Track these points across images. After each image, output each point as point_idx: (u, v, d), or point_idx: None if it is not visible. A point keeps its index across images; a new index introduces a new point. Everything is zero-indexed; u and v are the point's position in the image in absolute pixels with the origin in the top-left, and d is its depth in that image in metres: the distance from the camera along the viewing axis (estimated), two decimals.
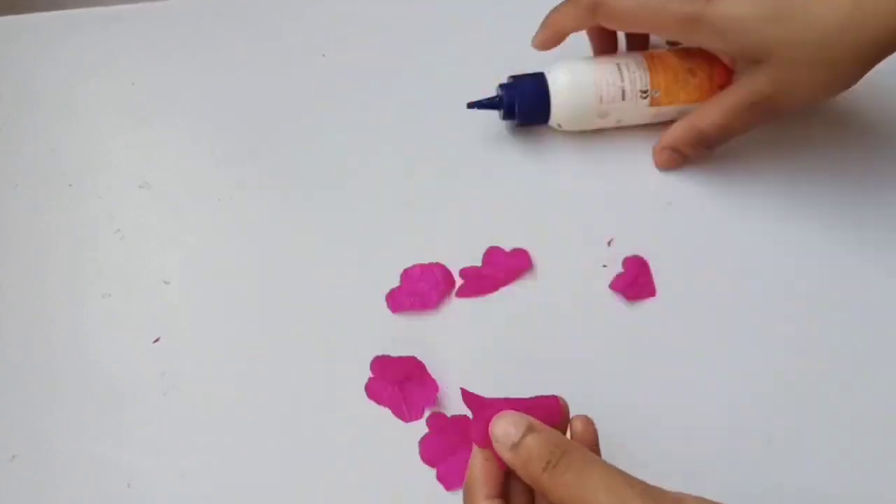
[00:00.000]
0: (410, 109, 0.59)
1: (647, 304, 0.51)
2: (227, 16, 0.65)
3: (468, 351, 0.49)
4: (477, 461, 0.38)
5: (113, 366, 0.50)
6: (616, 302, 0.51)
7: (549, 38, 0.53)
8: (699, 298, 0.51)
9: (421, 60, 0.61)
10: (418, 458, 0.47)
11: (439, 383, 0.48)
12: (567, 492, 0.35)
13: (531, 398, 0.39)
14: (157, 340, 0.50)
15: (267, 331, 0.51)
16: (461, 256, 0.52)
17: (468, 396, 0.38)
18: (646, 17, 0.50)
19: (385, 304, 0.51)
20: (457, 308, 0.51)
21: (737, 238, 0.53)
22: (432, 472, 0.46)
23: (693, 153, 0.54)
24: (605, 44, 0.57)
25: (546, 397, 0.39)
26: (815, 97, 0.50)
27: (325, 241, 0.54)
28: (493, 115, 0.56)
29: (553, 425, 0.37)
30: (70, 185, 0.56)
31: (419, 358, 0.48)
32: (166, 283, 0.52)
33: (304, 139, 0.58)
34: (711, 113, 0.52)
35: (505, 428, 0.37)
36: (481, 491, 0.37)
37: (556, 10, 0.53)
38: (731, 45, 0.49)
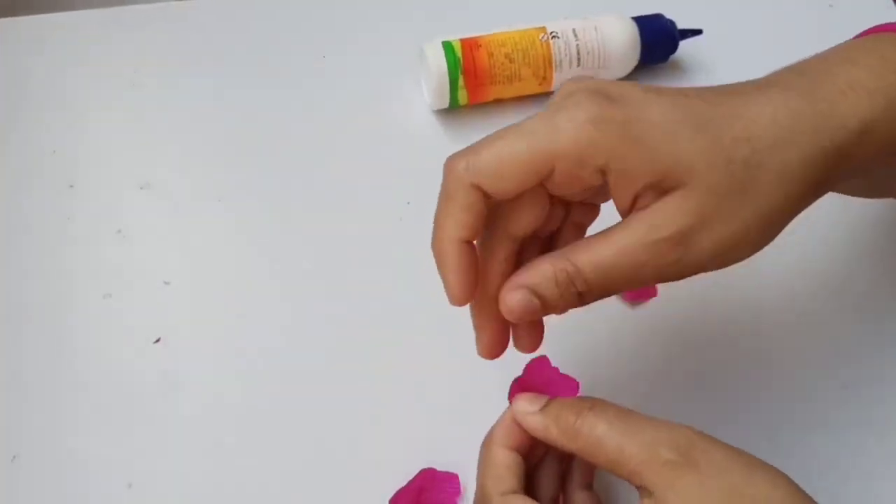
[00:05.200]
0: (412, 109, 0.59)
1: (648, 305, 0.51)
2: (226, 16, 0.65)
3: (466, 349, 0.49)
4: (504, 417, 0.39)
5: (113, 366, 0.49)
6: (616, 302, 0.51)
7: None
8: (700, 298, 0.51)
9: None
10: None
11: None
12: (606, 431, 0.36)
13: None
14: (157, 340, 0.50)
15: (267, 331, 0.51)
16: None
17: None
18: None
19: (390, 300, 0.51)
20: (459, 310, 0.51)
21: None
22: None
23: (559, 303, 0.37)
24: None
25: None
26: (738, 243, 0.37)
27: (325, 241, 0.54)
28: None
29: None
30: (70, 186, 0.56)
31: None
32: (166, 283, 0.52)
33: (304, 139, 0.58)
34: (598, 250, 0.36)
35: (527, 399, 0.38)
36: (500, 440, 0.38)
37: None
38: (641, 160, 0.35)
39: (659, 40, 0.60)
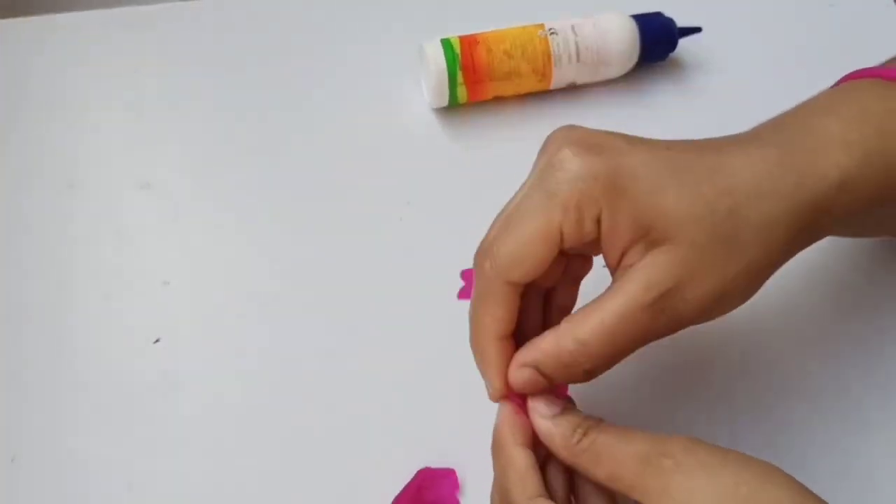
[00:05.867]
0: (411, 109, 0.59)
1: None
2: (226, 17, 0.65)
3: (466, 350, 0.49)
4: (505, 412, 0.38)
5: (113, 366, 0.49)
6: None
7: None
8: None
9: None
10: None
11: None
12: (607, 450, 0.35)
13: None
14: (157, 341, 0.50)
15: (268, 331, 0.51)
16: (464, 257, 0.52)
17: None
18: None
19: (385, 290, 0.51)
20: (459, 310, 0.51)
21: None
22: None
23: (565, 379, 0.38)
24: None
25: None
26: (724, 296, 0.38)
27: (325, 241, 0.54)
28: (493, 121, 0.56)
29: None
30: (70, 186, 0.56)
31: None
32: (166, 283, 0.52)
33: (304, 139, 0.58)
34: (593, 321, 0.36)
35: (545, 401, 0.38)
36: (511, 439, 0.38)
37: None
38: (628, 212, 0.36)
39: (658, 38, 0.60)
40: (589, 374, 0.37)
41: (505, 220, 0.38)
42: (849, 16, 0.63)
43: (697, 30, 0.61)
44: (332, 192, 0.56)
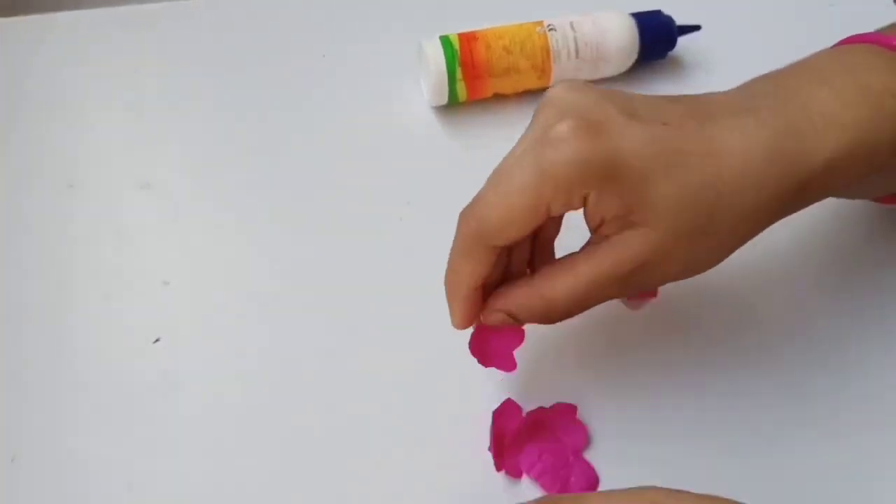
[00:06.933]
0: (411, 108, 0.59)
1: (648, 305, 0.51)
2: (226, 16, 0.65)
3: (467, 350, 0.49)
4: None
5: (113, 366, 0.49)
6: (615, 303, 0.51)
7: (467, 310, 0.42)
8: (699, 300, 0.51)
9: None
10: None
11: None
12: None
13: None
14: (157, 341, 0.50)
15: (268, 331, 0.51)
16: None
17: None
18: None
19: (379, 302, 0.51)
20: None
21: None
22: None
23: (531, 322, 0.42)
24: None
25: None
26: (687, 271, 0.41)
27: (325, 241, 0.54)
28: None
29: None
30: (70, 186, 0.56)
31: None
32: (166, 283, 0.52)
33: (304, 139, 0.58)
34: (565, 282, 0.40)
35: None
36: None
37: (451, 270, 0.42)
38: (616, 195, 0.37)
39: (657, 36, 0.60)
40: (551, 320, 0.42)
41: (496, 185, 0.39)
42: (849, 16, 0.63)
43: (697, 28, 0.61)
44: (332, 192, 0.56)
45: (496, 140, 0.55)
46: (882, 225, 0.54)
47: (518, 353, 0.45)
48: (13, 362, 0.50)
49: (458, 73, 0.57)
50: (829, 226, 0.53)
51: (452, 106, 0.59)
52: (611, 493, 0.37)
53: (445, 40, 0.57)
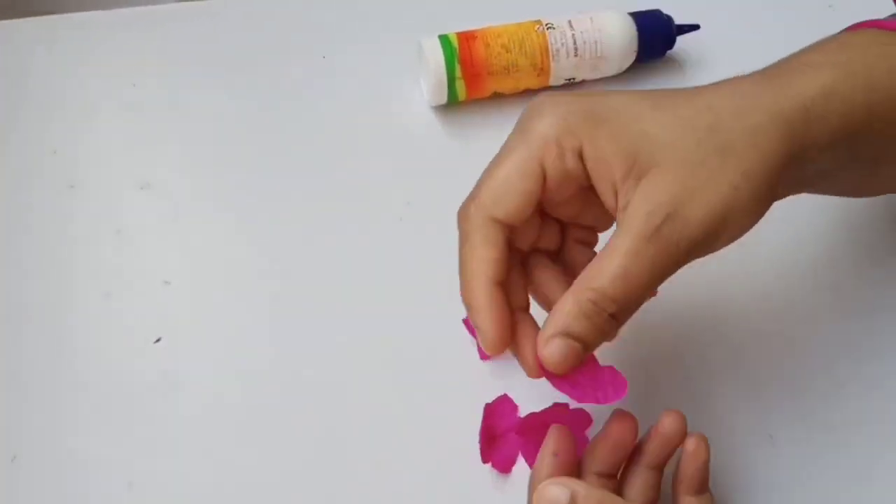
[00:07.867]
0: (411, 108, 0.59)
1: (647, 305, 0.51)
2: (226, 17, 0.65)
3: (467, 350, 0.49)
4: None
5: (113, 366, 0.50)
6: None
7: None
8: (699, 299, 0.51)
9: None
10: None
11: None
12: None
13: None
14: (157, 340, 0.50)
15: (268, 330, 0.51)
16: None
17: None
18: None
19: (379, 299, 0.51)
20: (459, 310, 0.51)
21: None
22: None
23: (596, 335, 0.37)
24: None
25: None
26: (726, 206, 0.36)
27: (325, 241, 0.54)
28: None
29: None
30: (70, 186, 0.56)
31: None
32: (166, 283, 0.52)
33: (304, 139, 0.58)
34: (610, 263, 0.36)
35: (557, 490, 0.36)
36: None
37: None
38: (611, 140, 0.36)
39: (656, 36, 0.60)
40: (616, 320, 0.37)
41: (487, 168, 0.39)
42: (849, 16, 0.63)
43: (695, 27, 0.61)
44: (332, 191, 0.56)
45: (496, 139, 0.55)
46: (883, 225, 0.54)
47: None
48: (13, 362, 0.50)
49: (458, 72, 0.57)
50: (828, 226, 0.54)
51: (452, 105, 0.59)
52: None
53: (444, 39, 0.57)
